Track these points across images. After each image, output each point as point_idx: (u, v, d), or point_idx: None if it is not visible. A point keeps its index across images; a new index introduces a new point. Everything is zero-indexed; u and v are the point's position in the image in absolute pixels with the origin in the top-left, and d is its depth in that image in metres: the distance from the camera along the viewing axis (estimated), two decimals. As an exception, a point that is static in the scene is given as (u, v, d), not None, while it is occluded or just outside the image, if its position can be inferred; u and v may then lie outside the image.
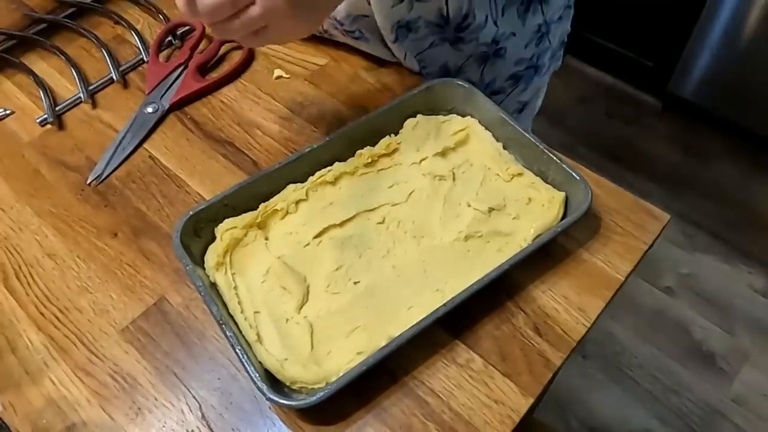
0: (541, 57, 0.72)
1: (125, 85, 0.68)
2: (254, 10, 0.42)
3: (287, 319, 0.48)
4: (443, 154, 0.57)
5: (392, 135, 0.58)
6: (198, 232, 0.52)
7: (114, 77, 0.68)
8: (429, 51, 0.65)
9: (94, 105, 0.66)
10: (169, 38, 0.72)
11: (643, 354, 1.39)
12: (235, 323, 0.47)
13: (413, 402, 0.45)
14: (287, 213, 0.54)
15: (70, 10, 0.76)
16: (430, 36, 0.63)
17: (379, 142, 0.57)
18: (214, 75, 0.68)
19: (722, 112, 1.71)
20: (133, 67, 0.70)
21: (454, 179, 0.56)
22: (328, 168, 0.55)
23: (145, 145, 0.62)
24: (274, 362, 0.44)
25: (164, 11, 0.75)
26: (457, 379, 0.46)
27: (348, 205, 0.54)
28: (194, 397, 0.46)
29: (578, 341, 0.48)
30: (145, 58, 0.70)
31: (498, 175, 0.56)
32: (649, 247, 0.53)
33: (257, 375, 0.43)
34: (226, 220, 0.52)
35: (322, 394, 0.42)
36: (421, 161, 0.57)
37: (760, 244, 1.56)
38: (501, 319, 0.49)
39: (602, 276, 0.51)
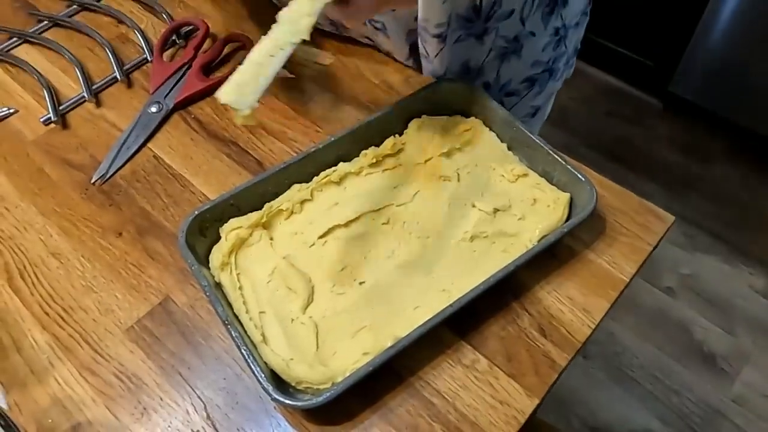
0: (556, 61, 0.72)
1: (129, 84, 0.68)
2: None
3: (292, 319, 0.48)
4: (448, 154, 0.57)
5: (397, 135, 0.58)
6: (203, 231, 0.52)
7: (118, 76, 0.68)
8: (453, 47, 0.63)
9: (98, 104, 0.66)
10: (173, 37, 0.72)
11: (644, 354, 1.39)
12: (240, 323, 0.47)
13: (419, 402, 0.45)
14: (292, 213, 0.54)
15: (74, 9, 0.76)
16: (458, 30, 0.62)
17: (384, 143, 0.57)
18: (218, 74, 0.67)
19: (723, 112, 1.71)
20: (137, 67, 0.70)
21: (459, 180, 0.56)
22: (333, 168, 0.56)
23: (150, 145, 0.62)
24: (280, 362, 0.44)
25: (168, 11, 0.75)
26: (463, 379, 0.46)
27: (353, 206, 0.53)
28: (199, 396, 0.46)
29: (583, 342, 0.48)
30: (149, 58, 0.70)
31: (503, 175, 0.56)
32: (654, 248, 0.53)
33: (263, 375, 0.43)
34: (231, 219, 0.52)
35: (328, 394, 0.42)
36: (426, 161, 0.57)
37: (760, 245, 1.56)
38: (506, 319, 0.49)
39: (607, 277, 0.51)
